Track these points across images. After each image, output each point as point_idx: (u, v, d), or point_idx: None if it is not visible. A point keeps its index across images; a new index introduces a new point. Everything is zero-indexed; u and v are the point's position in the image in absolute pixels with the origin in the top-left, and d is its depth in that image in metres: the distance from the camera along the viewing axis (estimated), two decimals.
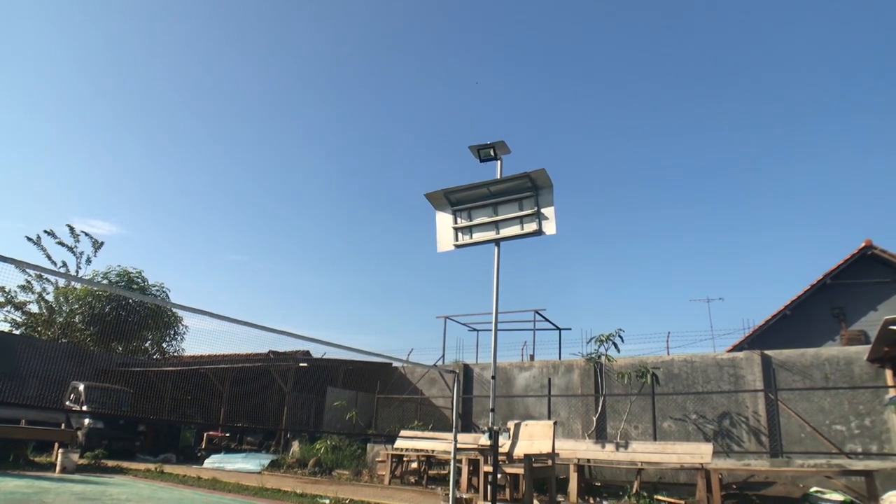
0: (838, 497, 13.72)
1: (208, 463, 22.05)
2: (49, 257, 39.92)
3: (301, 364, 25.94)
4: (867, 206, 69.24)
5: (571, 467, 15.64)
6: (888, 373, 17.14)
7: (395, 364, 26.85)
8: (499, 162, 11.02)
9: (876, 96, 68.98)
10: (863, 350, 17.82)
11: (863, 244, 24.24)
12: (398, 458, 18.95)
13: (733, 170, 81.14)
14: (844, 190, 73.04)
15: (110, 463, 19.30)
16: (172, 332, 42.40)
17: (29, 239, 39.60)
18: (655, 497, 15.08)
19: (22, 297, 38.61)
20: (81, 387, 24.90)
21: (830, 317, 24.57)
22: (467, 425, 23.42)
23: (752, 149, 79.64)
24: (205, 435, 27.98)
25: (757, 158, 79.70)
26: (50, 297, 39.30)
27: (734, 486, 16.08)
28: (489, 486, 10.19)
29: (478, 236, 11.24)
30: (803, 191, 76.12)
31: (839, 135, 73.03)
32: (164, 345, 42.43)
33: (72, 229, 41.15)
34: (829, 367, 18.11)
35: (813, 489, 14.37)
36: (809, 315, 24.81)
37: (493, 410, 10.67)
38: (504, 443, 11.50)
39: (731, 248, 78.48)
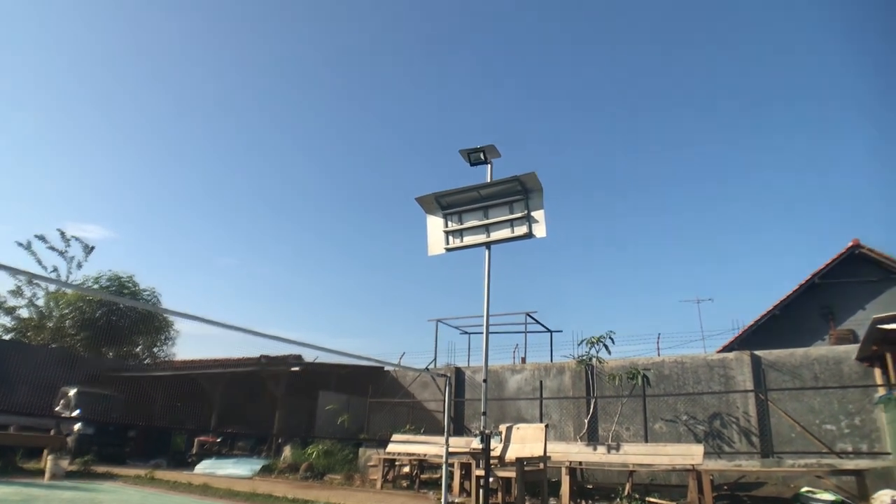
0: (829, 497, 13.70)
1: (199, 468, 21.95)
2: (40, 262, 39.72)
3: (293, 369, 25.81)
4: (855, 205, 69.51)
5: (563, 470, 15.57)
6: (877, 371, 17.13)
7: (386, 368, 26.74)
8: (489, 166, 11.05)
9: (865, 99, 69.13)
10: (852, 349, 17.82)
11: (850, 243, 24.29)
12: (390, 463, 18.88)
13: (722, 173, 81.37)
14: (832, 189, 73.31)
15: (100, 469, 19.13)
16: (163, 337, 42.28)
17: (19, 244, 39.37)
18: (647, 499, 15.02)
19: (12, 301, 38.41)
20: (71, 392, 24.75)
21: (819, 316, 24.61)
22: (459, 429, 23.34)
23: (740, 153, 79.83)
24: (196, 440, 27.88)
25: (745, 162, 79.91)
26: (40, 302, 39.15)
27: (725, 487, 16.08)
28: (481, 490, 10.15)
29: (468, 239, 11.24)
30: (791, 192, 76.38)
31: (825, 136, 73.26)
32: (155, 350, 42.27)
33: (63, 234, 40.90)
34: (819, 367, 18.10)
35: (804, 489, 14.36)
36: (798, 315, 24.85)
37: (484, 414, 10.61)
38: (496, 446, 11.47)
39: (721, 250, 78.71)
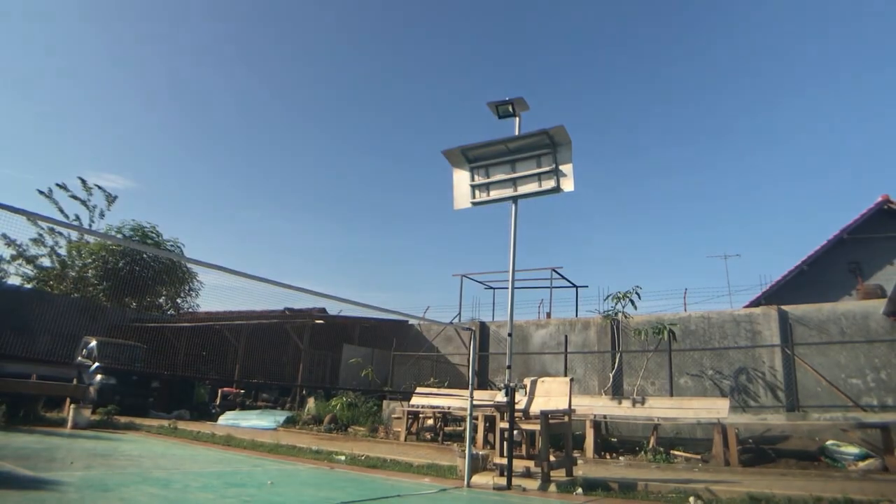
0: (854, 450, 13.84)
1: (223, 420, 22.23)
2: (61, 210, 39.94)
3: (317, 321, 26.00)
4: (886, 159, 68.93)
5: (588, 423, 15.76)
6: None
7: (411, 322, 26.96)
8: (517, 119, 11.06)
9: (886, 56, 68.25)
10: (879, 304, 17.83)
11: (879, 199, 24.13)
12: (414, 415, 19.11)
13: (749, 130, 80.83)
14: (861, 145, 72.78)
15: (123, 419, 19.27)
16: (187, 288, 42.53)
17: (41, 192, 39.58)
18: (672, 452, 15.21)
19: (34, 251, 38.83)
20: (94, 342, 24.96)
21: (847, 272, 24.53)
22: (483, 382, 23.57)
23: (770, 109, 79.17)
24: (219, 391, 28.17)
25: (773, 119, 79.24)
26: (62, 252, 39.52)
27: (750, 441, 16.19)
28: (505, 443, 10.29)
29: (495, 193, 11.29)
30: (820, 147, 75.89)
31: (856, 91, 72.51)
32: (179, 301, 42.55)
33: (84, 182, 41.26)
34: (846, 322, 18.13)
35: (829, 442, 14.48)
36: (826, 270, 24.79)
37: (509, 367, 10.78)
38: (520, 399, 11.56)
39: (749, 207, 78.30)
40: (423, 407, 19.47)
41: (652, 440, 15.61)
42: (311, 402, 23.14)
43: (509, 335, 10.96)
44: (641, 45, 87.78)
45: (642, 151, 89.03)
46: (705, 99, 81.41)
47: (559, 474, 10.70)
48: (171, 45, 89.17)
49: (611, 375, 20.71)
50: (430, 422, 19.43)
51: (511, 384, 10.32)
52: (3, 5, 62.42)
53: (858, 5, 68.95)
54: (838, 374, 17.63)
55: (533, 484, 10.10)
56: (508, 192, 11.06)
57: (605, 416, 16.96)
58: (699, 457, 14.84)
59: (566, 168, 10.52)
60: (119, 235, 38.39)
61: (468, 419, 10.96)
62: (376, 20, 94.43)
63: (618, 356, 21.06)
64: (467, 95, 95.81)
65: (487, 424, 16.21)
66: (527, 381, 12.91)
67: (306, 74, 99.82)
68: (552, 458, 10.65)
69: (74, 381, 19.67)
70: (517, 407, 10.79)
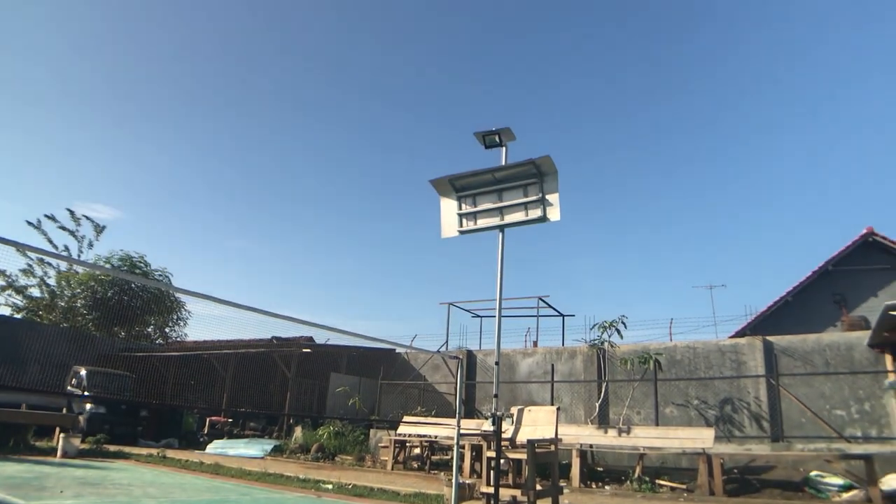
0: (838, 480, 13.87)
1: (211, 448, 22.17)
2: (50, 241, 39.74)
3: (304, 350, 26.02)
4: (869, 193, 69.42)
5: (574, 453, 15.77)
6: (888, 358, 17.27)
7: (398, 350, 26.96)
8: (504, 149, 11.10)
9: (874, 86, 68.74)
10: (863, 335, 17.95)
11: (864, 231, 24.27)
12: (401, 444, 19.11)
13: (734, 163, 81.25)
14: (846, 178, 73.28)
15: (112, 448, 19.29)
16: (175, 318, 42.55)
17: (29, 223, 39.38)
18: (657, 481, 15.22)
19: (23, 281, 38.64)
20: (83, 372, 24.94)
21: (831, 303, 24.62)
22: (470, 411, 23.52)
23: (755, 140, 79.60)
24: (207, 420, 28.10)
25: (759, 151, 79.70)
26: (51, 282, 39.32)
27: (735, 471, 16.22)
28: (492, 472, 10.29)
29: (482, 222, 11.29)
30: (805, 179, 76.33)
31: (842, 125, 73.09)
32: (167, 330, 42.54)
33: (72, 213, 41.05)
34: (830, 353, 18.24)
35: (813, 473, 14.51)
36: (811, 301, 24.90)
37: (496, 396, 10.78)
38: (507, 428, 11.56)
39: (734, 238, 78.63)
40: (410, 436, 19.47)
41: (638, 469, 15.63)
42: (298, 431, 23.13)
43: (496, 364, 10.96)
44: (629, 74, 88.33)
45: (630, 180, 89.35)
46: (692, 128, 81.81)
47: (546, 503, 10.71)
48: (157, 72, 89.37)
49: (597, 405, 20.74)
50: (417, 451, 19.43)
51: (498, 413, 10.32)
52: None
53: (849, 25, 69.60)
54: (823, 405, 17.72)
55: None
56: (495, 220, 11.06)
57: (591, 446, 17.00)
58: (684, 486, 14.86)
59: (553, 197, 10.53)
60: (108, 265, 38.42)
61: (455, 448, 10.96)
62: (364, 45, 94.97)
63: (604, 385, 21.09)
64: (456, 125, 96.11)
65: (474, 453, 16.21)
66: (514, 410, 12.95)
67: (292, 102, 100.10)
68: (539, 487, 10.64)
69: (64, 410, 19.62)
70: (504, 436, 10.78)
